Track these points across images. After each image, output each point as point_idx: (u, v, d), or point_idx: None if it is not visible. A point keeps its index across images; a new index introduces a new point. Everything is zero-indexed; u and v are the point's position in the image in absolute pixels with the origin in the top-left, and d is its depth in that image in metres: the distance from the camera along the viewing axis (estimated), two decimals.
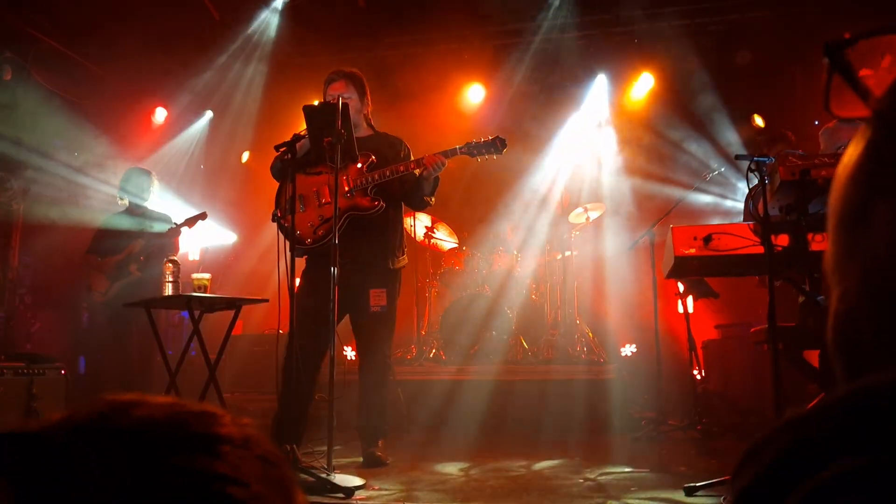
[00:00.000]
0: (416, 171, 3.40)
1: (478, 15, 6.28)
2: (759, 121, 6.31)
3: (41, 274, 6.29)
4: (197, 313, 3.63)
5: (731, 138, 6.36)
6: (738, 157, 2.69)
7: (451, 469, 3.25)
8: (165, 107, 7.23)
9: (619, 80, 6.94)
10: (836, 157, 2.40)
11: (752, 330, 4.13)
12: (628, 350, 6.21)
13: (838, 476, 0.30)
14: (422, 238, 6.05)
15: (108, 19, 6.02)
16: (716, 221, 4.95)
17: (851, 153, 0.42)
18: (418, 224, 5.99)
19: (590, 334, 5.73)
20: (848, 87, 0.47)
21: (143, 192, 4.80)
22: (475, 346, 5.45)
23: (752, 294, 5.47)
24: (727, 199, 6.26)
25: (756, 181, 2.54)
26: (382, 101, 5.54)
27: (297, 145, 3.19)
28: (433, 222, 6.13)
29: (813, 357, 3.62)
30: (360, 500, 2.62)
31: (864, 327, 0.40)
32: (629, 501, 2.58)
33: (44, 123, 6.35)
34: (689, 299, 4.90)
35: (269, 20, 6.65)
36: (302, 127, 3.22)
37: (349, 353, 5.32)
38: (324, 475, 2.75)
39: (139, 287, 4.44)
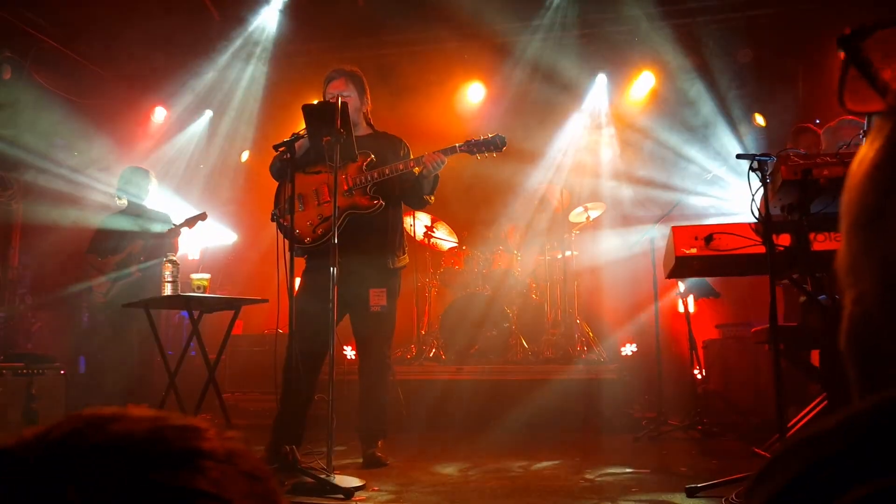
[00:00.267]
0: (416, 170, 3.39)
1: (478, 13, 6.26)
2: (760, 120, 6.30)
3: (41, 274, 6.28)
4: (196, 314, 3.62)
5: (733, 137, 6.35)
6: (739, 156, 2.67)
7: (451, 469, 3.24)
8: (165, 106, 7.22)
9: (620, 79, 6.93)
10: (839, 156, 2.39)
11: (753, 330, 4.12)
12: (628, 350, 6.20)
13: (865, 499, 0.28)
14: (421, 237, 6.04)
15: (107, 18, 6.01)
16: (716, 222, 4.93)
17: (867, 150, 0.40)
18: (418, 223, 5.98)
19: (590, 334, 5.72)
20: (863, 80, 0.46)
21: (141, 192, 4.79)
22: (475, 345, 5.44)
23: (752, 294, 5.47)
24: (727, 200, 6.24)
25: (758, 180, 2.52)
26: (382, 99, 5.53)
27: (297, 144, 3.18)
28: (433, 221, 6.12)
29: (815, 357, 3.61)
30: (360, 500, 2.61)
31: (880, 331, 0.38)
32: (630, 502, 2.57)
33: (43, 123, 6.34)
34: (690, 299, 4.89)
35: (268, 19, 6.63)
36: (301, 126, 3.21)
37: (349, 352, 5.31)
38: (323, 476, 2.74)
39: (139, 287, 4.43)
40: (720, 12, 6.21)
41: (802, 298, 3.41)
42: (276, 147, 3.25)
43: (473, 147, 3.36)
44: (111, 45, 6.24)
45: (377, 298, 3.40)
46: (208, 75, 6.79)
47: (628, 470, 3.24)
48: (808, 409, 3.43)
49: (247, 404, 5.13)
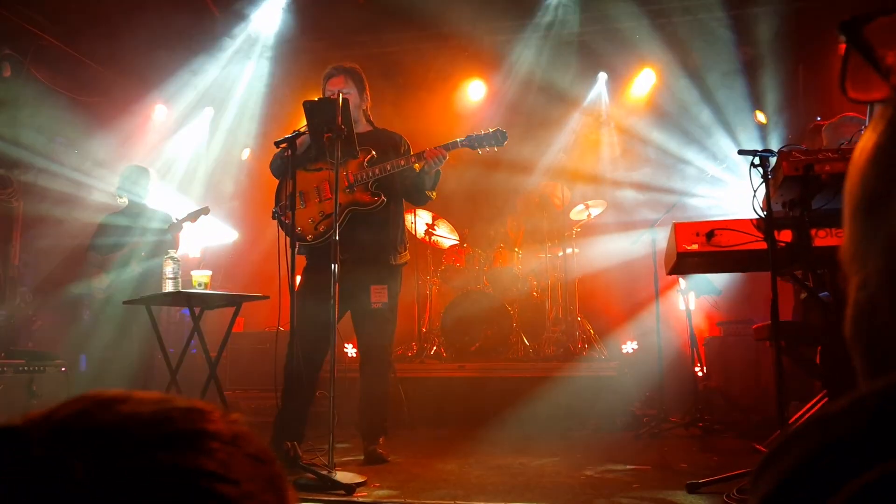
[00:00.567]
0: (417, 166, 3.38)
1: (479, 11, 6.25)
2: (761, 117, 6.29)
3: (42, 271, 6.28)
4: (197, 310, 3.62)
5: (734, 135, 6.34)
6: (741, 152, 2.67)
7: (452, 466, 3.24)
8: (165, 104, 7.21)
9: (621, 77, 6.93)
10: (840, 152, 2.38)
11: (754, 326, 4.12)
12: (629, 347, 6.20)
13: (883, 479, 0.28)
14: (422, 235, 6.04)
15: (107, 15, 6.01)
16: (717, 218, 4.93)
17: (869, 136, 0.40)
18: (419, 221, 5.98)
19: (591, 331, 5.72)
20: (866, 67, 0.46)
21: (141, 190, 4.79)
22: (476, 343, 5.44)
23: (753, 290, 5.47)
24: (725, 199, 6.24)
25: (759, 176, 2.52)
26: (383, 96, 5.52)
27: (298, 141, 3.18)
28: (434, 219, 6.12)
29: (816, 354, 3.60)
30: (362, 497, 2.62)
31: (885, 316, 0.38)
32: (631, 499, 2.57)
33: (44, 121, 6.34)
34: (691, 296, 4.89)
35: (269, 16, 6.63)
36: (302, 123, 3.21)
37: (350, 350, 5.31)
38: (325, 472, 2.74)
39: (140, 284, 4.43)
40: (721, 10, 6.20)
41: (803, 295, 3.42)
42: (277, 144, 3.25)
43: (475, 142, 3.36)
44: (111, 43, 6.23)
45: (378, 295, 3.40)
46: (209, 73, 6.78)
47: (629, 467, 3.24)
48: (808, 405, 3.43)
49: (248, 401, 5.13)
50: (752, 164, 2.52)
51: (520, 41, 6.62)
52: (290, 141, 3.14)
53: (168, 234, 4.51)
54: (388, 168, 3.33)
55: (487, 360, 5.29)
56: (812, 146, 3.57)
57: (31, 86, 6.15)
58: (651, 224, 4.69)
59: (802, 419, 3.32)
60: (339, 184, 3.10)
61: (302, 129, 3.22)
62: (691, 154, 6.46)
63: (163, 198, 5.18)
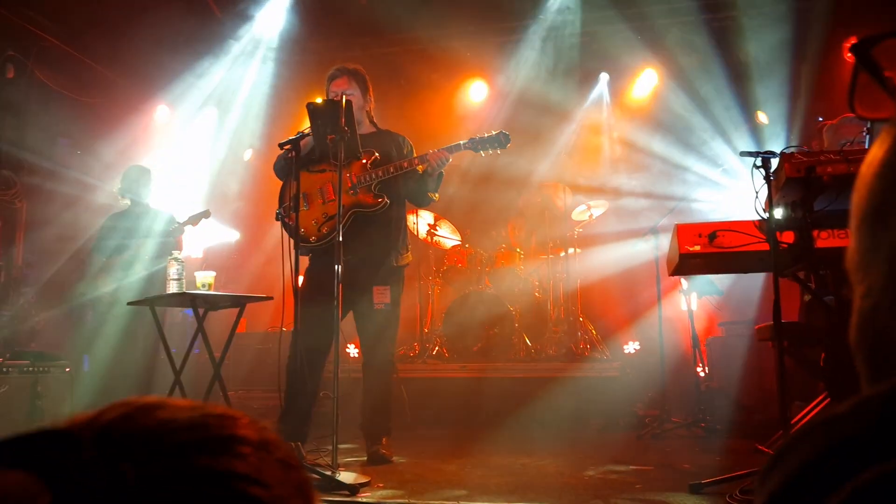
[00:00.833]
0: (420, 168, 3.39)
1: (481, 12, 6.27)
2: (762, 118, 6.30)
3: (45, 272, 6.30)
4: (201, 311, 3.63)
5: (735, 136, 6.35)
6: (743, 153, 2.68)
7: (455, 466, 3.25)
8: (168, 105, 7.23)
9: (623, 77, 6.93)
10: (842, 153, 2.39)
11: (757, 327, 4.12)
12: (631, 347, 6.21)
13: (880, 479, 0.29)
14: (424, 235, 6.05)
15: (110, 17, 6.02)
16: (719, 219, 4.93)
17: (876, 151, 0.42)
18: (421, 222, 5.99)
19: (593, 331, 5.72)
20: (873, 86, 0.47)
21: (144, 191, 4.80)
22: (478, 343, 5.45)
23: (756, 291, 5.47)
24: (727, 200, 6.24)
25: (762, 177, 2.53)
26: (386, 97, 5.53)
27: (301, 143, 3.19)
28: (436, 220, 6.13)
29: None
30: (365, 497, 2.62)
31: (888, 324, 0.39)
32: (633, 500, 2.58)
33: (47, 122, 6.35)
34: (693, 296, 4.89)
35: (272, 18, 6.64)
36: (306, 124, 3.22)
37: (352, 350, 5.32)
38: (329, 473, 2.75)
39: (144, 285, 4.45)
40: (723, 10, 6.21)
41: (807, 297, 3.42)
42: (280, 146, 3.26)
43: (477, 144, 3.37)
44: (114, 44, 6.25)
45: (381, 296, 3.41)
46: (212, 74, 6.80)
47: (632, 467, 3.24)
48: (811, 405, 3.44)
49: (251, 402, 5.15)
50: (755, 166, 2.53)
51: (522, 41, 6.63)
52: (294, 143, 3.15)
53: (170, 237, 4.52)
54: (392, 170, 3.34)
55: (489, 360, 5.30)
56: (818, 146, 3.58)
57: (35, 87, 6.17)
58: (653, 225, 4.69)
59: (805, 419, 3.33)
60: (343, 185, 3.11)
61: (305, 131, 3.23)
62: (693, 156, 6.46)
63: (166, 199, 5.19)
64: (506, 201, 6.68)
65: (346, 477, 2.78)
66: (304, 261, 3.44)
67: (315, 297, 3.25)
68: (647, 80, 6.82)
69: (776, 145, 5.90)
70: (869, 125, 2.79)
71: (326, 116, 3.06)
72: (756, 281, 5.43)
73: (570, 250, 5.92)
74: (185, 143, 7.24)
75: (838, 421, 0.32)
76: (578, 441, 4.13)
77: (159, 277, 4.24)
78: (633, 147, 6.88)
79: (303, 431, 3.28)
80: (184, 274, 3.51)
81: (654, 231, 4.62)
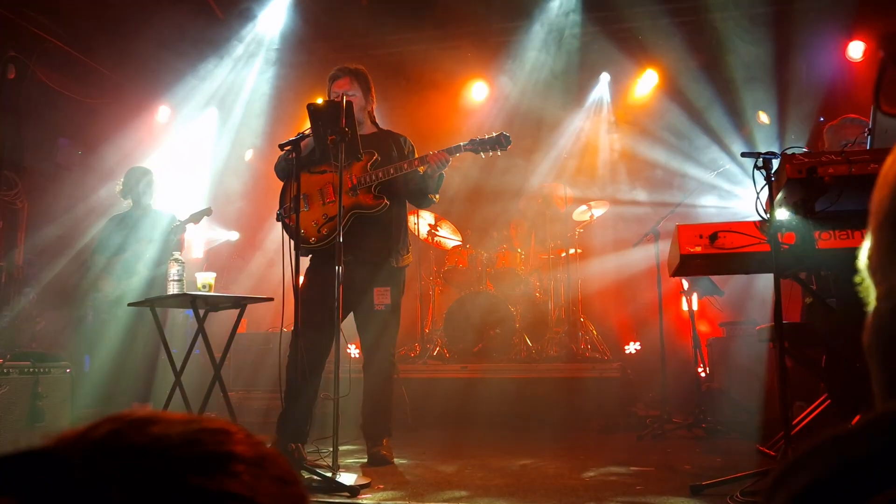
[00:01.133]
0: (421, 169, 3.39)
1: (481, 12, 6.26)
2: (764, 118, 6.29)
3: (47, 273, 6.30)
4: (202, 312, 3.63)
5: (737, 135, 6.34)
6: (744, 154, 2.67)
7: (455, 467, 3.25)
8: (169, 105, 7.23)
9: (623, 78, 6.93)
10: (843, 154, 2.38)
11: (758, 328, 4.12)
12: (632, 348, 6.21)
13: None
14: (425, 236, 6.05)
15: (111, 18, 6.03)
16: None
17: None
18: (422, 222, 5.99)
19: (594, 332, 5.72)
20: None
21: (146, 192, 4.80)
22: (479, 344, 5.45)
23: (756, 292, 5.46)
24: (731, 197, 6.24)
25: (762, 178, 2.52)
26: (387, 98, 5.53)
27: (302, 144, 3.19)
28: (436, 220, 6.13)
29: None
30: (366, 498, 2.62)
31: None
32: (634, 501, 2.58)
33: (48, 123, 6.35)
34: (694, 297, 4.89)
35: (274, 18, 6.64)
36: (306, 125, 3.21)
37: (353, 351, 5.32)
38: (329, 474, 2.75)
39: (146, 288, 4.45)
40: (724, 10, 6.20)
41: (808, 298, 3.42)
42: (281, 146, 3.26)
43: (478, 146, 3.36)
44: (115, 45, 6.25)
45: (381, 297, 3.41)
46: (213, 74, 6.80)
47: (632, 468, 3.24)
48: (812, 406, 3.43)
49: (252, 403, 5.14)
50: (755, 167, 2.52)
51: (522, 42, 6.62)
52: (295, 143, 3.15)
53: (172, 236, 4.52)
54: (392, 171, 3.34)
55: (490, 361, 5.30)
56: (821, 147, 3.58)
57: (36, 88, 6.17)
58: (653, 226, 4.68)
59: (806, 420, 3.32)
60: (343, 186, 3.11)
61: (306, 132, 3.22)
62: (694, 153, 6.45)
63: (167, 199, 5.19)
64: (506, 202, 6.68)
65: (346, 478, 2.77)
66: (305, 261, 3.44)
67: (315, 298, 3.25)
68: (647, 81, 6.81)
69: (778, 145, 5.89)
70: (869, 125, 2.78)
71: (327, 117, 3.06)
72: (757, 282, 5.43)
73: (571, 250, 5.92)
74: (187, 143, 7.24)
75: (849, 440, 0.31)
76: (579, 442, 4.13)
77: (161, 280, 4.24)
78: (635, 144, 6.87)
79: (303, 432, 3.28)
80: (184, 275, 3.52)
81: (655, 232, 4.62)
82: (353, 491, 2.64)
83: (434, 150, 3.36)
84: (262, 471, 0.41)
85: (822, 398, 3.40)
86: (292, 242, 3.14)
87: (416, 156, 3.49)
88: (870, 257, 0.42)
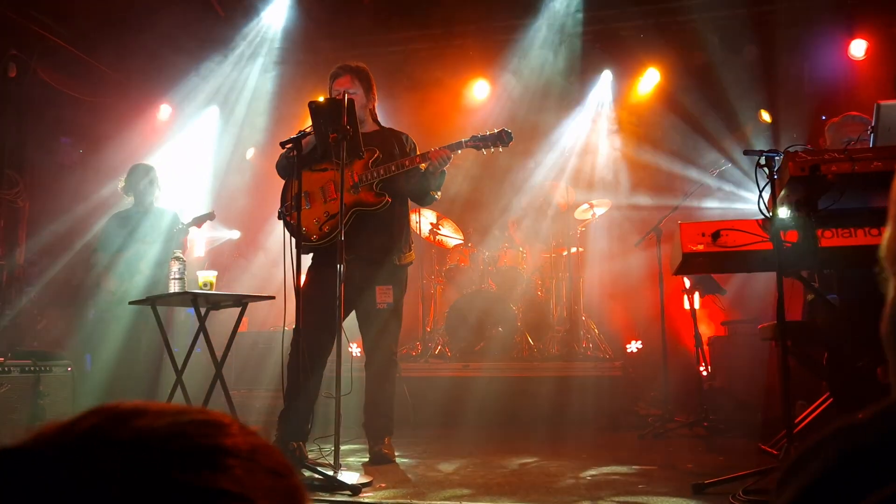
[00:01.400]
0: (423, 166, 3.38)
1: (482, 10, 6.26)
2: (765, 116, 6.28)
3: (48, 272, 6.31)
4: (203, 310, 3.63)
5: (738, 134, 6.33)
6: (746, 152, 2.66)
7: (457, 466, 3.25)
8: (171, 104, 7.23)
9: (625, 76, 6.92)
10: (846, 152, 2.38)
11: (760, 326, 4.11)
12: (634, 347, 6.20)
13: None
14: (427, 234, 6.05)
15: (112, 16, 6.02)
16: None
17: None
18: (423, 220, 5.99)
19: (595, 331, 5.72)
20: None
21: (147, 189, 4.79)
22: (480, 342, 5.45)
23: (759, 290, 5.46)
24: (734, 198, 6.22)
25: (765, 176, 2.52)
26: (389, 95, 5.52)
27: (303, 142, 3.19)
28: (438, 219, 6.13)
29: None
30: (367, 497, 2.62)
31: None
32: (636, 500, 2.57)
33: (50, 121, 6.35)
34: (696, 295, 4.88)
35: (275, 17, 6.64)
36: (308, 123, 3.21)
37: (355, 349, 5.32)
38: (330, 473, 2.75)
39: (149, 286, 4.44)
40: (725, 9, 6.19)
41: (810, 296, 3.41)
42: (282, 144, 3.25)
43: (479, 142, 3.35)
44: (117, 43, 6.25)
45: (383, 296, 3.40)
46: (215, 73, 6.80)
47: (634, 467, 3.24)
48: (814, 405, 3.43)
49: (253, 401, 5.14)
50: (758, 165, 2.52)
51: (524, 40, 6.61)
52: (296, 141, 3.14)
53: (174, 239, 4.52)
54: (393, 169, 3.34)
55: (492, 359, 5.29)
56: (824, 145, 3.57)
57: (38, 86, 6.17)
58: (656, 224, 4.68)
59: (808, 419, 3.32)
60: (345, 184, 3.10)
61: (307, 130, 3.22)
62: (696, 152, 6.44)
63: (170, 197, 5.18)
64: (508, 200, 6.67)
65: (348, 477, 2.77)
66: (307, 260, 3.44)
67: (317, 296, 3.25)
68: (649, 79, 6.80)
69: (780, 144, 5.88)
70: (873, 123, 2.77)
71: (328, 115, 3.05)
72: (759, 280, 5.42)
73: (573, 249, 5.92)
74: (189, 142, 7.24)
75: (858, 430, 0.31)
76: (581, 441, 4.12)
77: (163, 280, 4.24)
78: (636, 143, 6.86)
79: (304, 431, 3.27)
80: (185, 273, 3.51)
81: (657, 231, 4.61)
82: (355, 489, 2.64)
83: (436, 147, 3.36)
84: (255, 464, 0.39)
85: (823, 397, 3.39)
86: (294, 240, 3.13)
87: (418, 153, 3.48)
88: (888, 247, 0.41)
